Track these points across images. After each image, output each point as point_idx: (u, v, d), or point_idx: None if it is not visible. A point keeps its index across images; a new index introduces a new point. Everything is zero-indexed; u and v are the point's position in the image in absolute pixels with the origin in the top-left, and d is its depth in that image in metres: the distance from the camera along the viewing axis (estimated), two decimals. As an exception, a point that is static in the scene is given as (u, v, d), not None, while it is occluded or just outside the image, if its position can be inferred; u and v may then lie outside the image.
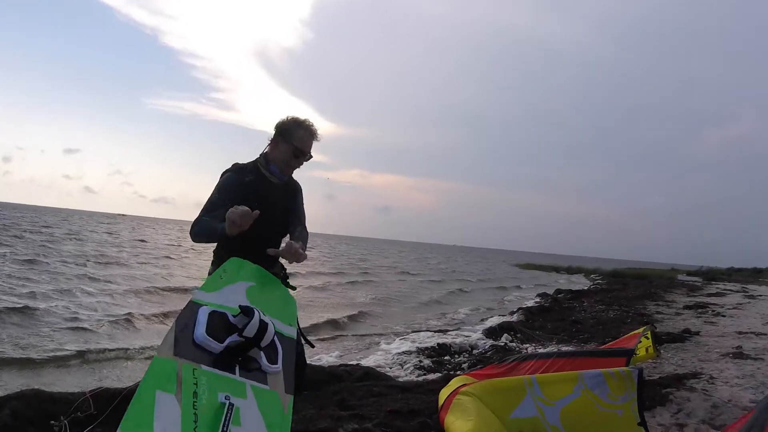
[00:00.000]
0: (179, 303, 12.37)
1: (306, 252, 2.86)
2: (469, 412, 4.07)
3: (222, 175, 3.03)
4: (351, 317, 13.29)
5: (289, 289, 3.04)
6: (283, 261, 3.10)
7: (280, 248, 2.79)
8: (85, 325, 9.66)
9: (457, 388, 4.49)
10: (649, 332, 7.11)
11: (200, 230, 2.74)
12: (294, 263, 2.83)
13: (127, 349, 8.46)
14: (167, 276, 18.98)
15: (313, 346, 3.39)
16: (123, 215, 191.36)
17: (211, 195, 2.92)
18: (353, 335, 11.33)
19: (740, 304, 17.05)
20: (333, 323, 12.18)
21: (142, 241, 39.05)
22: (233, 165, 3.06)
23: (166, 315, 11.41)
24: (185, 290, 14.80)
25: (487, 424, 3.98)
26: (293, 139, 2.97)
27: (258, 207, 2.62)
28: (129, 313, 10.93)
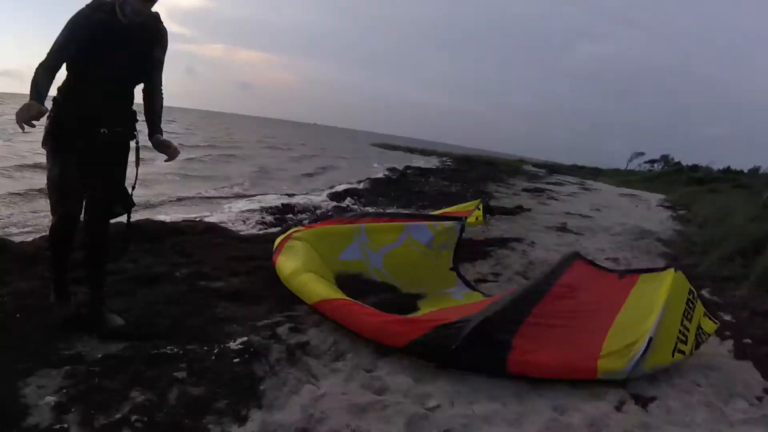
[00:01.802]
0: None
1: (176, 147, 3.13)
2: (298, 254, 4.28)
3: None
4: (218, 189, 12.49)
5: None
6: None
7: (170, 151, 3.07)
8: None
9: (290, 233, 4.67)
10: (481, 204, 7.62)
11: (32, 82, 2.69)
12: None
13: None
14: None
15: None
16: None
17: (59, 33, 2.79)
18: (200, 197, 11.02)
19: (575, 193, 18.76)
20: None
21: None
22: (93, 1, 2.88)
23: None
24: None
25: (314, 264, 4.25)
26: None
27: (103, 50, 2.80)
28: None
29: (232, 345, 3.12)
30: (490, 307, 3.72)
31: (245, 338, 3.20)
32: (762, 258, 6.63)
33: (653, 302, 4.04)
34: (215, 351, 3.04)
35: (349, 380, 3.02)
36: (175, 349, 2.99)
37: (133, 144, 3.18)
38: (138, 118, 3.19)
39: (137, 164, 3.18)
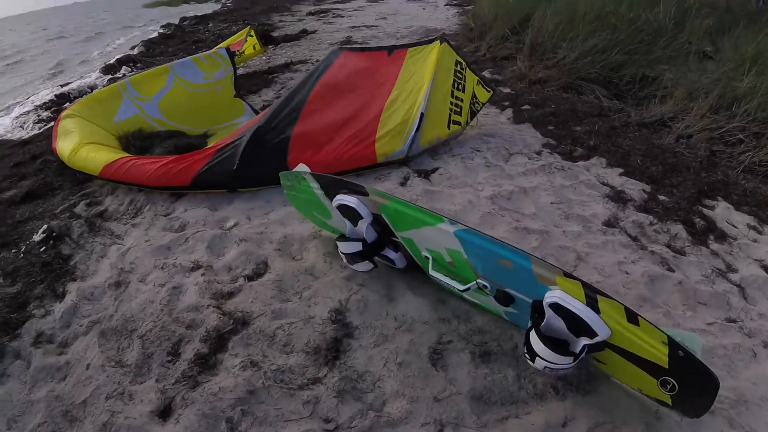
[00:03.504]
0: None
1: None
2: (73, 131, 4.15)
3: None
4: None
5: None
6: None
7: None
8: None
9: (59, 115, 4.45)
10: (252, 31, 7.49)
11: None
12: None
13: None
14: None
15: None
16: None
17: None
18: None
19: (362, 7, 18.61)
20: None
21: None
22: None
23: None
24: None
25: (92, 135, 4.12)
26: None
27: None
28: None
29: (36, 237, 3.16)
30: (261, 118, 3.82)
31: (45, 227, 3.22)
32: (529, 31, 7.16)
33: (422, 77, 4.14)
34: (22, 249, 3.08)
35: (150, 228, 3.18)
36: (-16, 264, 2.99)
37: None
38: None
39: None
